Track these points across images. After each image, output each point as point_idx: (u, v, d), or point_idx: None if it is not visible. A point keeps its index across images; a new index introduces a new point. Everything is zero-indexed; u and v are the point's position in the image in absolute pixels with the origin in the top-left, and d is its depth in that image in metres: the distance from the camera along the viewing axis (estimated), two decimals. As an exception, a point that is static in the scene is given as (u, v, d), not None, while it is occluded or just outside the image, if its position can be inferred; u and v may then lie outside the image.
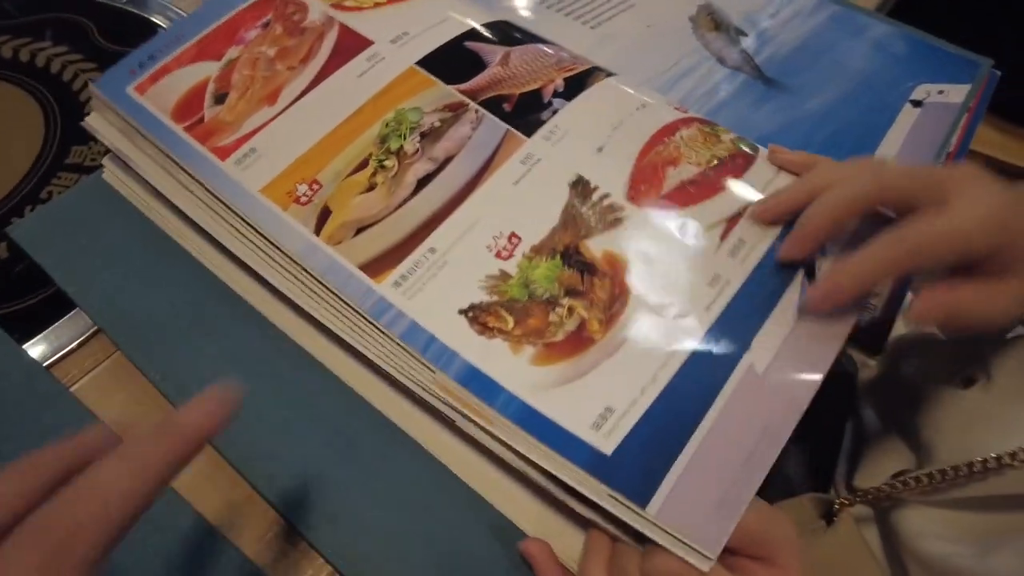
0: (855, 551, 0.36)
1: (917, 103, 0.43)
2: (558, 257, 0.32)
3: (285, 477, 0.33)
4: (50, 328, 0.38)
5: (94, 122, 0.39)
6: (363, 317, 0.31)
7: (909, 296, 0.38)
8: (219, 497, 0.34)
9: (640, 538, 0.28)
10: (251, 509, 0.34)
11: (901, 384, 0.42)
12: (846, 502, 0.37)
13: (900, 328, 0.48)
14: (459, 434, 0.33)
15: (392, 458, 0.34)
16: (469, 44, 0.40)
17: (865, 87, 0.44)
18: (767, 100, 0.43)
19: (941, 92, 0.44)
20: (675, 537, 0.26)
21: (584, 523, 0.32)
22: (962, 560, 0.33)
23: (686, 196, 0.34)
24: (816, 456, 0.43)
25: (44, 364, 0.37)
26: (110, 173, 0.41)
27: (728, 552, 0.26)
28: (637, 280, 0.32)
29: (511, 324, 0.31)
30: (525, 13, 0.46)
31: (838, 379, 0.45)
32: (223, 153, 0.35)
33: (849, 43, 0.47)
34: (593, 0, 0.48)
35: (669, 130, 0.37)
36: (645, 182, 0.35)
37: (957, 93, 0.44)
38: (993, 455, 0.32)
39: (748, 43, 0.46)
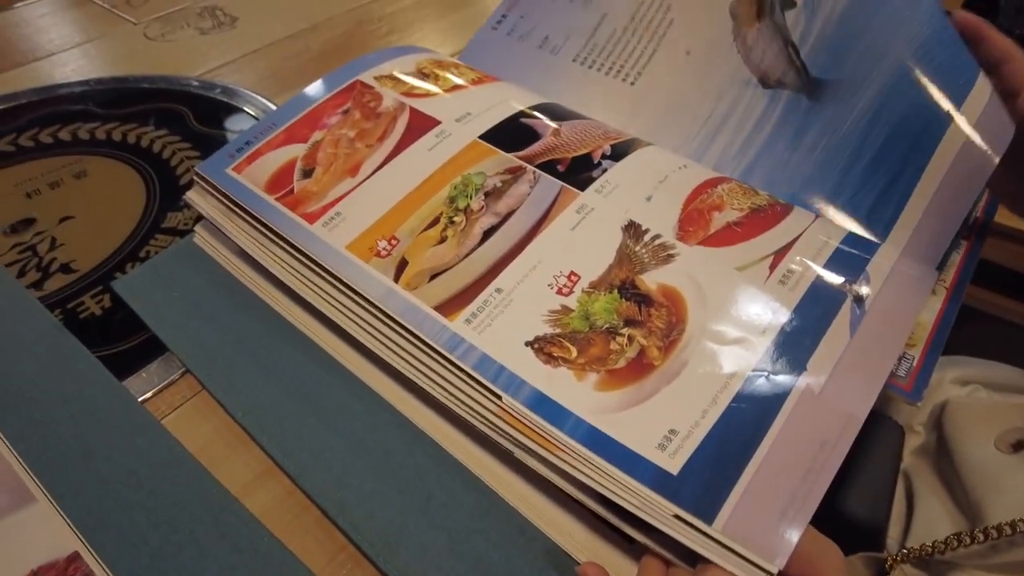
0: None
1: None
2: (615, 291, 0.35)
3: (353, 503, 0.35)
4: (145, 368, 0.42)
5: (195, 195, 0.45)
6: (438, 352, 0.34)
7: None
8: (294, 520, 0.35)
9: (692, 562, 0.28)
10: (322, 533, 0.35)
11: (949, 450, 0.42)
12: (899, 559, 0.36)
13: (943, 394, 0.48)
14: (515, 466, 0.34)
15: (452, 489, 0.35)
16: (524, 120, 0.45)
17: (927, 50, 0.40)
18: (806, 130, 0.42)
19: None
20: (738, 554, 0.27)
21: (633, 550, 0.32)
22: None
23: (732, 235, 0.37)
24: (866, 519, 0.43)
25: (140, 399, 0.41)
26: (200, 237, 0.47)
27: (779, 573, 0.27)
28: (692, 309, 0.34)
29: (574, 353, 0.33)
30: (565, 76, 0.51)
31: (886, 440, 0.45)
32: (311, 218, 0.40)
33: None
34: (625, 48, 0.50)
35: (710, 184, 0.40)
36: (693, 224, 0.37)
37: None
38: None
39: (797, 16, 0.44)
